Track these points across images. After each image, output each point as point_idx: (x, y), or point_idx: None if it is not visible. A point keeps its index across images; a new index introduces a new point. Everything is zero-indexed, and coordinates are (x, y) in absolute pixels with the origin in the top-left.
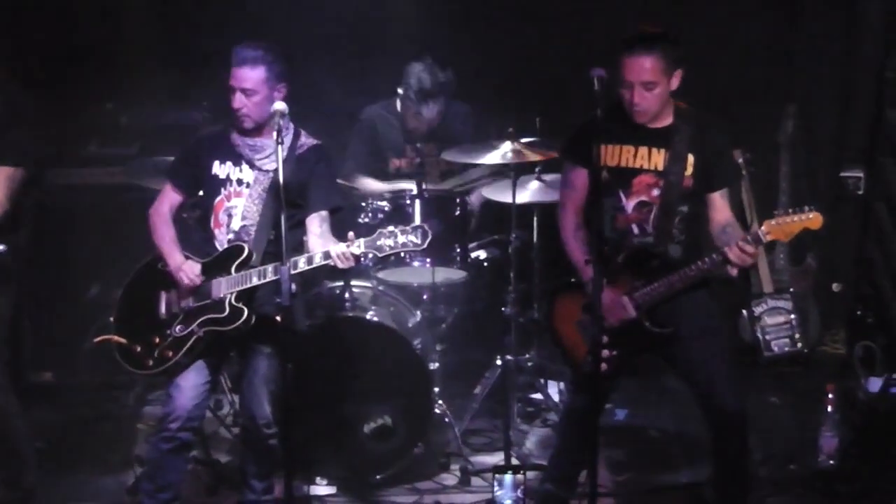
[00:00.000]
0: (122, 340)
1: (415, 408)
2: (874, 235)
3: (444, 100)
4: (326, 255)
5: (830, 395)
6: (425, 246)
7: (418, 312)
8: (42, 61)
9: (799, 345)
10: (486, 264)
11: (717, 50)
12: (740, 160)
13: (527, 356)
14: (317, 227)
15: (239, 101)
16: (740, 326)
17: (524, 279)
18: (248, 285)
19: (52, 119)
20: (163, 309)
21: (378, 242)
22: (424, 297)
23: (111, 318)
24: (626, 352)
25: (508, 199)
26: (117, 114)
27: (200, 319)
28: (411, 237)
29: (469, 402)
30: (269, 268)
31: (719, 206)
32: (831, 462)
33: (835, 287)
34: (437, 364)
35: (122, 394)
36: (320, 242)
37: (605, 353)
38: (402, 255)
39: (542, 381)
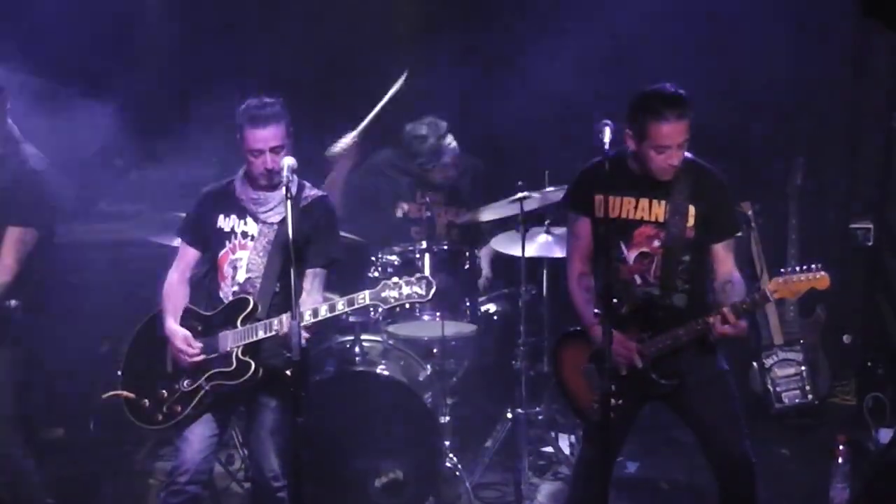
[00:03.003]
0: (131, 395)
1: (426, 462)
2: (883, 286)
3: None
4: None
5: (841, 447)
6: (430, 297)
7: (428, 366)
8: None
9: (809, 396)
10: (495, 318)
11: (725, 103)
12: (749, 212)
13: (537, 409)
14: (308, 282)
15: (272, 161)
16: (750, 378)
17: (534, 332)
18: (255, 339)
19: (65, 177)
20: (169, 364)
21: (383, 294)
22: (434, 350)
23: (118, 372)
24: (632, 401)
25: (518, 253)
26: (127, 170)
27: (208, 374)
28: (416, 288)
29: (480, 456)
30: (275, 321)
31: (721, 258)
32: None
33: (845, 338)
34: (447, 417)
35: (133, 449)
36: (306, 299)
37: (612, 402)
38: (408, 306)
39: (553, 433)
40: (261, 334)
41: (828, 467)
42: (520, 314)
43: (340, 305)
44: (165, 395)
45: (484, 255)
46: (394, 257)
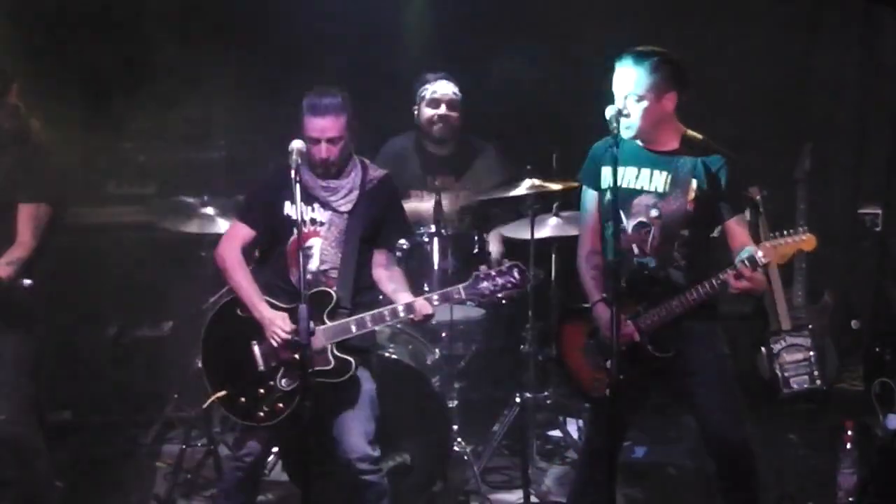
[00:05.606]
0: (223, 394)
1: (433, 445)
2: (892, 272)
3: (459, 103)
4: (409, 309)
5: (849, 432)
6: (525, 287)
7: (436, 350)
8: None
9: (817, 382)
10: (504, 302)
11: (734, 88)
12: (758, 198)
13: (545, 393)
14: (384, 258)
15: (327, 150)
16: (758, 363)
17: (542, 316)
18: (348, 336)
19: (73, 158)
20: (260, 362)
21: (479, 286)
22: (443, 334)
23: (199, 364)
24: (634, 382)
25: (526, 236)
26: (136, 152)
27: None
28: (509, 278)
29: (488, 440)
30: (367, 316)
31: (735, 233)
32: (850, 500)
33: (853, 324)
34: (455, 401)
35: (140, 433)
36: (392, 275)
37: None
38: (503, 300)
39: (560, 418)
40: (354, 330)
41: (835, 453)
42: (528, 298)
43: (435, 300)
44: (263, 392)
45: (493, 238)
46: (402, 241)
